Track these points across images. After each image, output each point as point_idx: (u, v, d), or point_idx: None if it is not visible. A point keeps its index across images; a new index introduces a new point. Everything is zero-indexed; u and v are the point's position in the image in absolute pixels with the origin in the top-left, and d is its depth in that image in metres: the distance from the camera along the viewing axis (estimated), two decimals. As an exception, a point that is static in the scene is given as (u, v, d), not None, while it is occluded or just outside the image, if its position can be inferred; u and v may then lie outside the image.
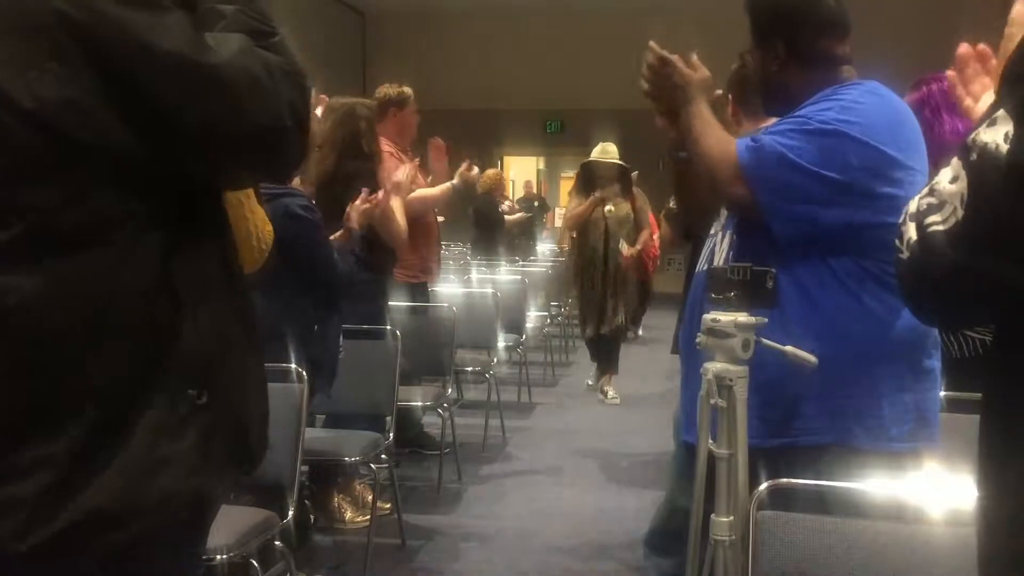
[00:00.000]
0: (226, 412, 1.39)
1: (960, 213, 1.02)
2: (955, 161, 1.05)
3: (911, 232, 1.09)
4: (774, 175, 2.06)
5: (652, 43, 2.22)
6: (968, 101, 1.36)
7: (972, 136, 1.03)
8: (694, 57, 2.24)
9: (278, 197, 3.25)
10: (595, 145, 9.46)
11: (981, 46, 1.36)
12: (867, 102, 2.10)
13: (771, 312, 1.98)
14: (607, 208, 6.71)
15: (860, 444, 2.06)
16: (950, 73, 1.37)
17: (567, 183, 18.96)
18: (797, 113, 2.12)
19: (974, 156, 1.02)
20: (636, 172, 7.34)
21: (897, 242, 1.12)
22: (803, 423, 2.08)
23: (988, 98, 1.32)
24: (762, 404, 2.03)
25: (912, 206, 1.10)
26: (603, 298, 6.76)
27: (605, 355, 7.05)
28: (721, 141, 2.15)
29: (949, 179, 1.05)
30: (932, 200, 1.07)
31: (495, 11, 14.85)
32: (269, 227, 2.44)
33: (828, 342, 2.03)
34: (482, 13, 14.87)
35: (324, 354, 3.46)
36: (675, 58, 2.20)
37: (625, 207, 6.81)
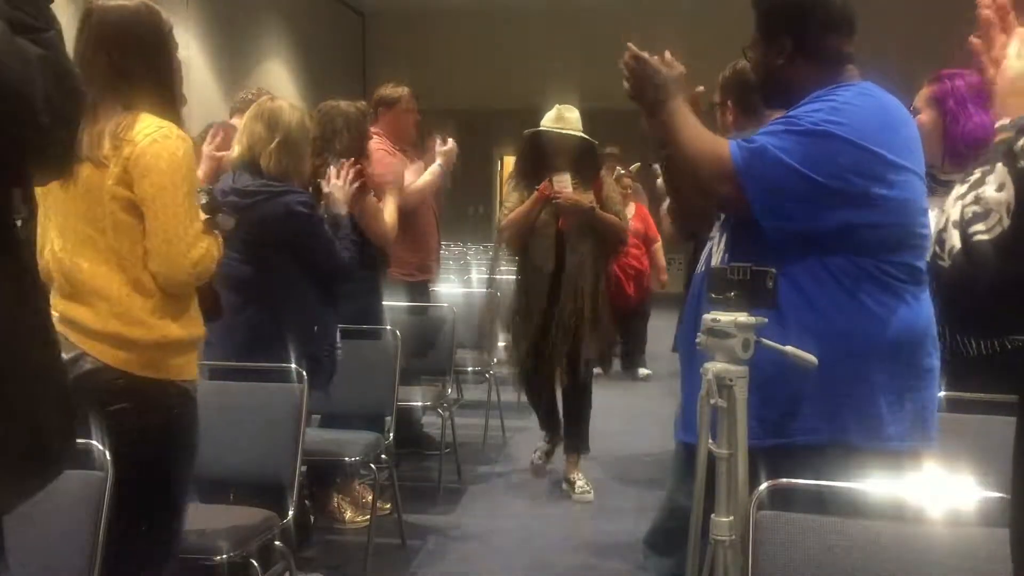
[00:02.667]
0: (14, 416, 1.29)
1: (1007, 222, 1.01)
2: (1000, 168, 1.03)
3: (954, 240, 1.06)
4: (765, 174, 2.06)
5: (629, 44, 2.24)
6: (993, 69, 1.33)
7: (1020, 143, 1.01)
8: (668, 54, 2.26)
9: (277, 196, 3.25)
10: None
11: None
12: (858, 103, 2.10)
13: (769, 312, 1.98)
14: (556, 180, 4.51)
15: (857, 443, 2.06)
16: (974, 40, 1.34)
17: (567, 183, 18.91)
18: (788, 113, 2.13)
19: (1022, 164, 1.00)
20: (637, 165, 6.43)
21: (938, 249, 1.09)
22: (800, 422, 2.08)
23: (1007, 67, 1.28)
24: (759, 403, 2.03)
25: (954, 213, 1.07)
26: (555, 343, 4.59)
27: (572, 425, 4.82)
28: (706, 138, 2.16)
29: (995, 187, 1.03)
30: (977, 208, 1.04)
31: (495, 11, 14.85)
32: (213, 252, 2.38)
33: (825, 341, 2.03)
34: (482, 13, 14.86)
35: (323, 351, 3.46)
36: (648, 56, 2.22)
37: (586, 197, 4.57)
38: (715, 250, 2.27)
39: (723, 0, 12.04)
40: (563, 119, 4.65)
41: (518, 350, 4.77)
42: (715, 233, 2.33)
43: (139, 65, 2.27)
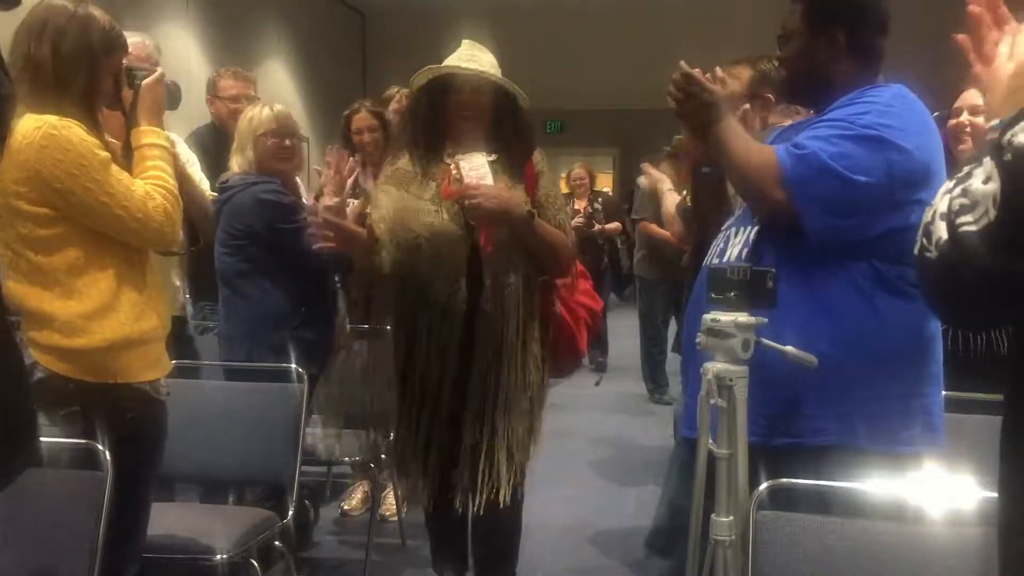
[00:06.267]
0: None
1: (993, 214, 1.01)
2: (987, 161, 1.03)
3: (941, 232, 1.07)
4: (818, 185, 2.03)
5: (681, 62, 2.17)
6: (978, 67, 1.33)
7: (1007, 136, 1.02)
8: (719, 71, 2.23)
9: (247, 187, 3.28)
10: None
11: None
12: (901, 106, 2.10)
13: (785, 312, 1.97)
14: (465, 163, 2.74)
15: (864, 445, 2.06)
16: (961, 37, 1.34)
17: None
18: (835, 117, 2.09)
19: (1008, 157, 1.01)
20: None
21: (924, 241, 1.10)
22: (810, 423, 2.07)
23: (999, 67, 1.28)
24: (769, 402, 2.03)
25: (942, 205, 1.08)
26: (480, 455, 2.76)
27: (491, 567, 3.02)
28: (757, 150, 2.12)
29: (982, 179, 1.03)
30: (964, 200, 1.05)
31: (495, 11, 14.85)
32: (159, 186, 2.28)
33: (840, 344, 2.03)
34: (482, 13, 14.86)
35: (315, 335, 3.39)
36: (700, 74, 2.16)
37: (516, 194, 2.74)
38: (731, 244, 2.23)
39: (723, 2, 12.06)
40: (476, 59, 2.78)
41: (407, 473, 2.89)
42: (730, 227, 2.29)
43: (50, 59, 2.19)
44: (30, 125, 2.15)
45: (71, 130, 2.17)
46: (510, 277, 2.75)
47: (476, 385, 2.76)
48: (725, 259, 2.19)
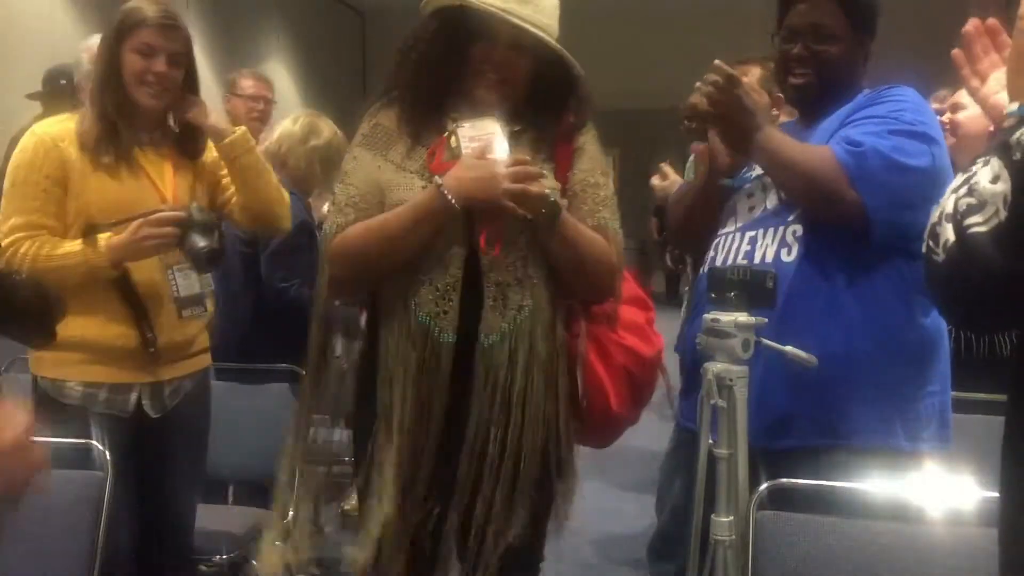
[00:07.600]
0: None
1: (1003, 214, 1.00)
2: (995, 161, 1.03)
3: (948, 234, 1.06)
4: (883, 180, 2.01)
5: (719, 62, 2.10)
6: (975, 82, 1.33)
7: (1016, 136, 1.01)
8: (755, 78, 2.23)
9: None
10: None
11: (991, 20, 1.32)
12: (924, 105, 2.13)
13: (834, 312, 2.00)
14: (466, 131, 1.92)
15: (902, 445, 2.05)
16: (956, 52, 1.34)
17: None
18: (872, 114, 2.09)
19: (1017, 156, 1.00)
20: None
21: (931, 243, 1.08)
22: (854, 425, 2.05)
23: (997, 78, 1.28)
24: (812, 404, 2.03)
25: (948, 206, 1.07)
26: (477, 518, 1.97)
27: None
28: (816, 151, 2.08)
29: (990, 179, 1.03)
30: (971, 200, 1.04)
31: (495, 11, 14.87)
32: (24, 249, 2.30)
33: (881, 345, 2.04)
34: (482, 13, 14.89)
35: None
36: (746, 80, 2.16)
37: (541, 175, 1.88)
38: (759, 246, 2.15)
39: (723, 3, 12.05)
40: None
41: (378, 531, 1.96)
42: (751, 230, 2.21)
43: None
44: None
45: (41, 138, 2.26)
46: (524, 297, 1.93)
47: (470, 450, 1.94)
48: (756, 262, 2.12)
